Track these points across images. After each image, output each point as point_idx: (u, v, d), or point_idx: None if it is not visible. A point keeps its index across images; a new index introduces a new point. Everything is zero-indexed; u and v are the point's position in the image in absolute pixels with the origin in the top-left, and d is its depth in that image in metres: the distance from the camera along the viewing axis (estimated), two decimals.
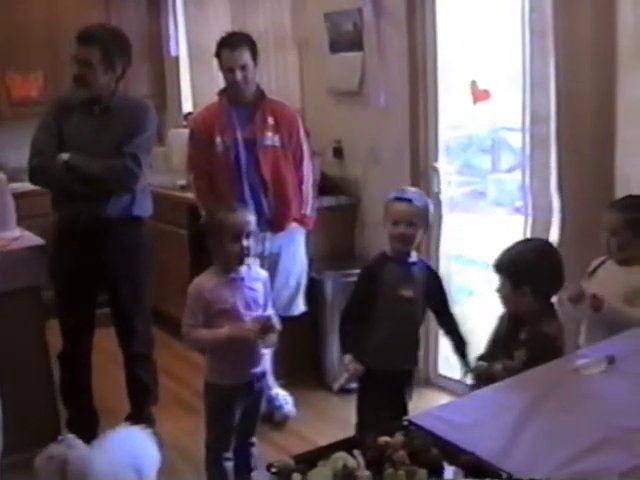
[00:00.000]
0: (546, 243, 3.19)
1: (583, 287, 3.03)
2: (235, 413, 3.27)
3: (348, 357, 3.30)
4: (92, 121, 3.71)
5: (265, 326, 3.11)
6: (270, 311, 3.30)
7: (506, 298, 3.00)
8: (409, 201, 3.30)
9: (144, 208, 3.91)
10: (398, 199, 3.32)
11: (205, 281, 3.22)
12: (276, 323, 3.14)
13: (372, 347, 3.29)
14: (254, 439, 3.43)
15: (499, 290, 3.03)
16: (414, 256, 3.39)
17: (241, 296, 3.19)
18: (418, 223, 3.29)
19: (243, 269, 3.22)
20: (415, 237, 3.31)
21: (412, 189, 3.57)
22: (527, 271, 2.94)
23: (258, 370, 3.29)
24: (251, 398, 3.30)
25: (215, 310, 3.14)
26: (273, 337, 3.18)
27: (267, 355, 3.59)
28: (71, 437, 3.04)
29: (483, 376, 2.95)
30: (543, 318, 2.93)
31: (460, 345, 3.37)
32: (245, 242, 3.16)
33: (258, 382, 3.32)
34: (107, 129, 3.70)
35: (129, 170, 3.67)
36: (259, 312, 3.20)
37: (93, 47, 3.63)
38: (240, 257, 3.17)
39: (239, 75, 4.09)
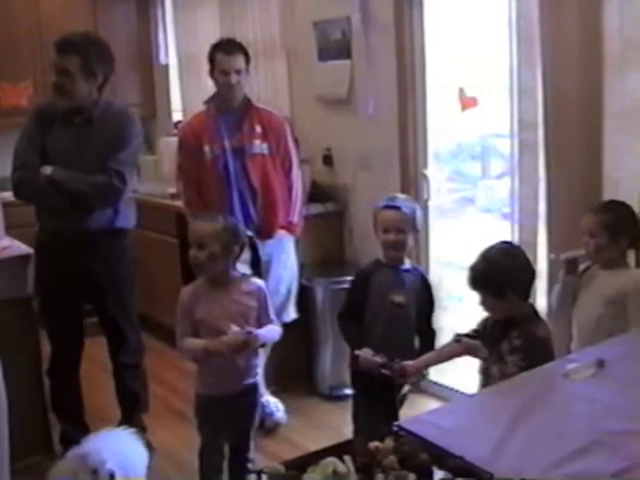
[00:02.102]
0: (507, 244, 3.17)
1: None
2: (221, 424, 3.25)
3: (365, 350, 3.28)
4: (74, 132, 3.67)
5: (240, 343, 3.04)
6: (273, 324, 3.26)
7: (493, 308, 3.00)
8: (398, 208, 3.35)
9: (127, 220, 3.89)
10: (387, 207, 3.38)
11: (189, 290, 3.21)
12: (255, 340, 3.09)
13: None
14: (251, 455, 3.37)
15: (482, 303, 3.02)
16: (407, 263, 3.44)
17: (223, 309, 3.14)
18: (407, 230, 3.35)
19: (234, 280, 3.21)
20: (406, 243, 3.37)
21: (401, 196, 3.61)
22: (504, 277, 2.91)
23: (248, 382, 3.26)
24: (240, 411, 3.26)
25: (197, 320, 3.14)
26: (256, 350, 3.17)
27: (260, 367, 3.56)
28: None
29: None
30: (534, 321, 2.94)
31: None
32: (193, 251, 3.13)
33: (248, 395, 3.28)
34: (90, 141, 3.66)
35: (114, 187, 3.65)
36: (247, 326, 3.11)
37: (71, 55, 3.59)
38: (193, 266, 3.16)
39: (233, 78, 4.11)
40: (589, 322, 3.09)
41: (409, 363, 3.22)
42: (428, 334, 3.47)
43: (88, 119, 3.69)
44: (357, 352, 3.29)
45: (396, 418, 3.26)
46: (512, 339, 2.87)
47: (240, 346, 3.05)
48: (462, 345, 3.05)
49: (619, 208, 3.14)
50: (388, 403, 3.38)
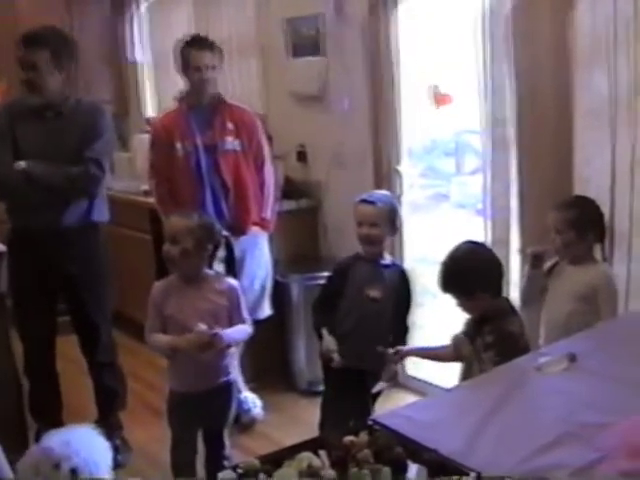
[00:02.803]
0: (470, 243, 3.20)
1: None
2: (192, 421, 3.24)
3: (329, 338, 3.34)
4: (45, 127, 3.64)
5: (204, 342, 3.03)
6: (244, 324, 3.24)
7: (467, 308, 3.02)
8: (372, 203, 3.38)
9: (102, 213, 3.87)
10: (363, 201, 3.41)
11: (161, 286, 3.21)
12: (220, 341, 3.06)
13: (337, 341, 3.35)
14: (227, 451, 3.35)
15: (457, 305, 3.02)
16: (387, 258, 3.47)
17: (193, 307, 3.13)
18: (381, 224, 3.37)
19: (207, 278, 3.20)
20: (380, 238, 3.39)
21: (380, 192, 3.68)
22: (470, 277, 2.94)
23: (219, 381, 3.24)
24: (212, 409, 3.24)
25: (166, 316, 3.13)
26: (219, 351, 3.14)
27: (234, 364, 3.55)
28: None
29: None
30: (505, 316, 2.96)
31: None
32: (166, 246, 3.13)
33: (221, 393, 3.26)
34: (62, 135, 3.63)
35: (93, 176, 3.64)
36: (216, 325, 3.09)
37: (39, 49, 3.55)
38: (166, 261, 3.16)
39: (207, 74, 4.11)
40: (558, 319, 3.12)
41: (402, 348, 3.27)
42: (401, 329, 3.48)
43: (59, 113, 3.66)
44: (323, 332, 3.33)
45: (368, 413, 3.29)
46: (485, 335, 2.90)
47: (204, 345, 3.03)
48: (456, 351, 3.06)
49: (584, 204, 3.16)
50: (359, 397, 3.40)
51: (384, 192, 3.72)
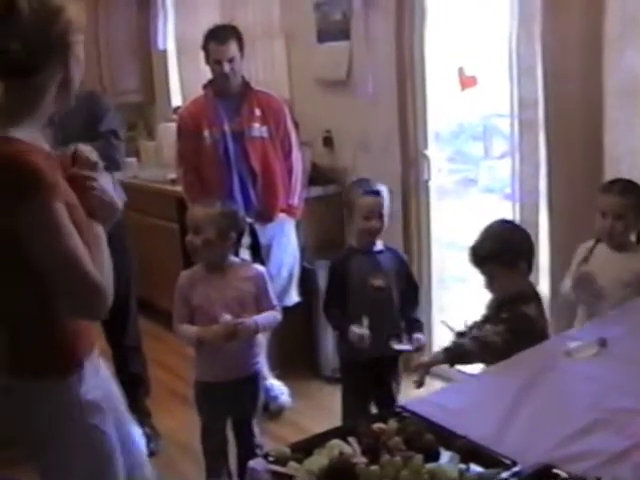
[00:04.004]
0: (507, 221, 3.17)
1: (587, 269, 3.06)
2: (220, 411, 3.25)
3: (351, 328, 3.18)
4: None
5: (230, 332, 3.04)
6: (273, 310, 3.23)
7: (500, 284, 2.97)
8: (378, 193, 3.30)
9: (119, 193, 3.87)
10: (368, 192, 3.29)
11: (187, 275, 3.21)
12: (246, 329, 3.08)
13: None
14: (258, 440, 3.33)
15: (490, 282, 2.98)
16: (379, 245, 3.38)
17: (219, 295, 3.13)
18: (385, 214, 3.30)
19: (232, 266, 3.20)
20: (383, 228, 3.32)
21: (370, 180, 3.46)
22: (514, 247, 2.94)
23: (247, 371, 3.24)
24: (240, 399, 3.23)
25: (193, 306, 3.13)
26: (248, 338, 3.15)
27: (261, 355, 3.54)
28: None
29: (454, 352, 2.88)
30: (526, 300, 2.92)
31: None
32: (189, 236, 3.13)
33: (248, 383, 3.25)
34: (67, 128, 3.63)
35: (116, 146, 3.64)
36: (243, 312, 3.10)
37: None
38: (189, 251, 3.15)
39: (227, 67, 4.10)
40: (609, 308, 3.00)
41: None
42: (413, 307, 3.43)
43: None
44: (352, 327, 3.18)
45: (392, 399, 3.28)
46: (501, 313, 2.87)
47: (230, 335, 3.04)
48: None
49: (637, 189, 3.09)
50: (379, 385, 3.38)
51: (371, 180, 3.48)
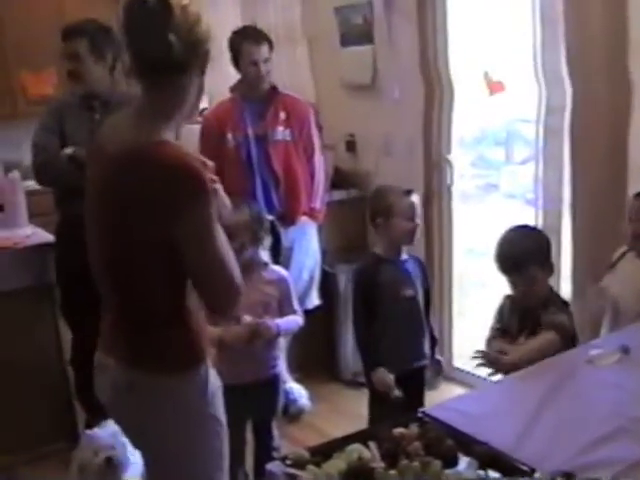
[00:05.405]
0: (521, 226, 3.15)
1: (605, 283, 3.03)
2: (240, 413, 3.21)
3: (380, 370, 3.17)
4: (92, 116, 3.66)
5: (251, 333, 3.03)
6: (294, 315, 3.23)
7: (538, 285, 2.93)
8: (413, 193, 3.31)
9: None
10: (407, 192, 3.28)
11: None
12: (267, 330, 3.06)
13: (383, 349, 3.23)
14: (276, 442, 3.33)
15: (531, 282, 2.92)
16: (404, 254, 3.34)
17: (245, 298, 3.10)
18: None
19: (257, 269, 3.18)
20: None
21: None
22: (545, 246, 2.97)
23: (267, 374, 3.23)
24: (260, 402, 3.23)
25: None
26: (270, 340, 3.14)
27: (281, 358, 3.53)
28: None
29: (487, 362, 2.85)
30: (555, 305, 2.91)
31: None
32: None
33: (268, 386, 3.25)
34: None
35: None
36: (266, 315, 3.10)
37: (79, 39, 3.60)
38: None
39: (263, 69, 4.10)
40: (629, 316, 2.96)
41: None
42: (430, 318, 3.43)
43: (106, 102, 3.66)
44: (374, 375, 3.17)
45: (421, 405, 3.25)
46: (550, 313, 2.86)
47: (252, 336, 3.04)
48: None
49: None
50: (409, 397, 3.29)
51: (388, 185, 3.50)
